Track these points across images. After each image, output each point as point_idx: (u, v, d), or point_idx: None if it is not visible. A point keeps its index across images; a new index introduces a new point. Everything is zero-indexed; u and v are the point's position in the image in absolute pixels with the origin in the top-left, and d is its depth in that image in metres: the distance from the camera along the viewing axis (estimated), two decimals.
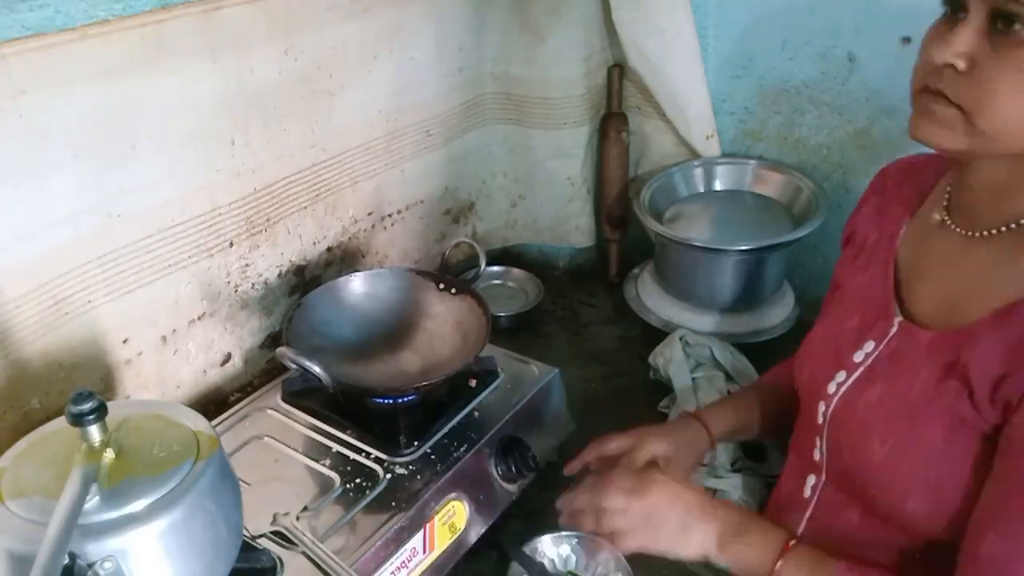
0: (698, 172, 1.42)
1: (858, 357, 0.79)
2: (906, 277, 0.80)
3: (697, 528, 0.79)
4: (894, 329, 0.77)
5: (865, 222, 0.88)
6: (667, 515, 0.80)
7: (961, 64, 0.64)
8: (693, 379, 1.17)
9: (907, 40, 1.16)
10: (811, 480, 0.84)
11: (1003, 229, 0.71)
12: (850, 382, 0.79)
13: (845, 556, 0.75)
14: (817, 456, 0.82)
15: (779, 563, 0.75)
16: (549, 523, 0.96)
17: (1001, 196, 0.70)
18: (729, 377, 1.17)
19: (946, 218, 0.77)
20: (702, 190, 1.42)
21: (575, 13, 1.31)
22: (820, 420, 0.81)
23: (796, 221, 1.29)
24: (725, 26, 1.34)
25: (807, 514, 0.84)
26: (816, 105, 1.30)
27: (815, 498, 0.83)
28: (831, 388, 0.81)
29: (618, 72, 1.39)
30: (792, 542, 0.77)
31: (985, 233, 0.72)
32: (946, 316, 0.73)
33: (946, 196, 0.78)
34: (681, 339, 1.21)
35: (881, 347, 0.78)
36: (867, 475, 0.75)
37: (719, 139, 1.41)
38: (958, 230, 0.75)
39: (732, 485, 1.01)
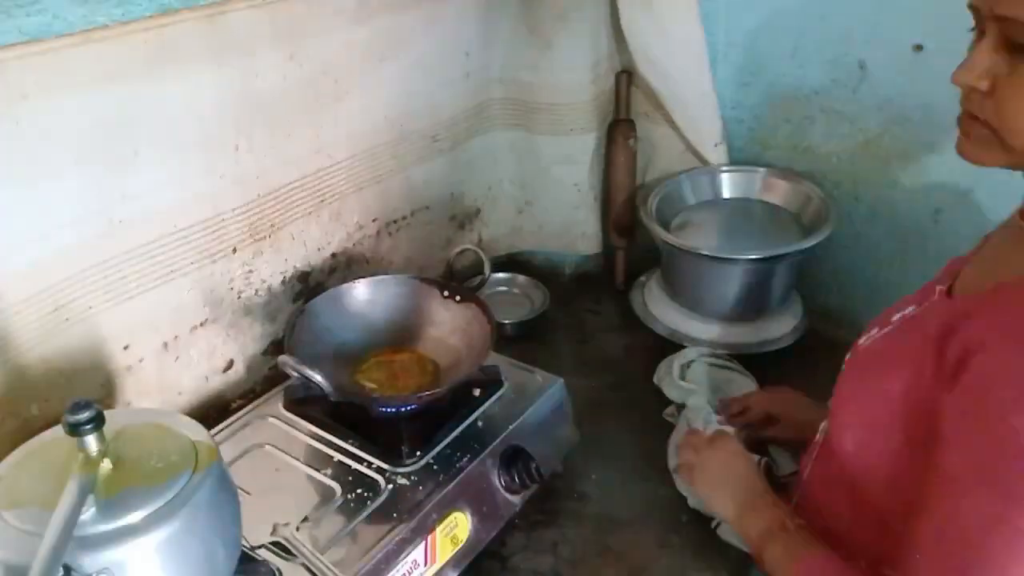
0: (706, 180, 1.41)
1: (895, 317, 0.81)
2: (976, 266, 0.79)
3: (725, 492, 0.90)
4: (934, 297, 0.77)
5: None
6: (713, 469, 0.93)
7: (982, 85, 0.65)
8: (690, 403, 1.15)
9: (919, 47, 1.14)
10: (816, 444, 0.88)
11: None
12: (876, 337, 0.81)
13: (833, 537, 0.78)
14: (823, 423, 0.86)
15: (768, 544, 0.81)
16: (552, 535, 0.95)
17: None
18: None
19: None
20: (710, 198, 1.41)
21: (583, 19, 1.30)
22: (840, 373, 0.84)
23: (805, 230, 1.28)
24: (735, 32, 1.33)
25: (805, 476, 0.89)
26: (826, 113, 1.29)
27: (814, 455, 0.87)
28: (862, 340, 0.84)
29: (626, 78, 1.38)
30: (788, 522, 0.81)
31: None
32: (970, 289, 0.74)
33: None
34: (682, 366, 1.19)
35: (916, 311, 0.78)
36: (833, 408, 0.80)
37: (728, 146, 1.40)
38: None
39: None
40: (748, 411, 1.08)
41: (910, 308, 0.80)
